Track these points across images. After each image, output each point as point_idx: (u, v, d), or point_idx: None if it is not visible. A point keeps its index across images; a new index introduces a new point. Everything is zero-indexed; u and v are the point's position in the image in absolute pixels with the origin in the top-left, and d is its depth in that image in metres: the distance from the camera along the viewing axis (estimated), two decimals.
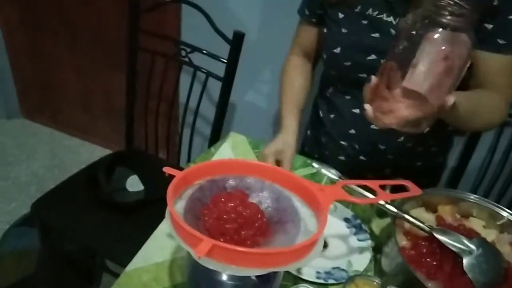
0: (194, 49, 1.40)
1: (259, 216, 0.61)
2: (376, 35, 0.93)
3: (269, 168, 0.68)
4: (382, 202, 0.78)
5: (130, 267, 0.78)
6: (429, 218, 0.83)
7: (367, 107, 0.70)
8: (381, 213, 0.96)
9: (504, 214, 0.82)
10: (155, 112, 1.53)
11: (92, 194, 1.33)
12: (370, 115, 0.71)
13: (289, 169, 0.92)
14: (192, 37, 1.46)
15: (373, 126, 1.01)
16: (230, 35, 1.30)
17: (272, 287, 0.63)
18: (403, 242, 0.78)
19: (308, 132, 1.23)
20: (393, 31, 0.91)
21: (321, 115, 1.13)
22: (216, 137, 1.46)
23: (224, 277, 0.58)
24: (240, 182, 0.67)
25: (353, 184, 0.77)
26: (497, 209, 0.83)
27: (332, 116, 1.09)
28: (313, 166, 0.90)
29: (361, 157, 1.07)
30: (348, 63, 0.96)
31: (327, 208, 0.60)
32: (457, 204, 0.85)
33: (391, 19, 0.91)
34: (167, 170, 0.61)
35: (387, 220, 0.94)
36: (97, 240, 1.25)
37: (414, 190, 0.73)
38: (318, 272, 0.81)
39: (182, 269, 0.78)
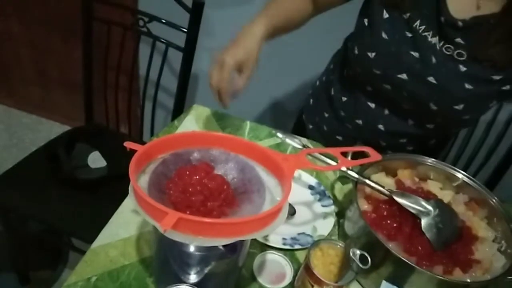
0: (153, 18, 1.35)
1: (225, 187, 0.61)
2: (416, 54, 0.86)
3: (233, 139, 0.68)
4: (344, 168, 0.80)
5: (96, 243, 0.77)
6: (389, 182, 0.86)
7: None
8: (344, 179, 0.99)
9: (459, 175, 0.86)
10: (115, 85, 1.48)
11: (53, 172, 1.30)
12: None
13: (249, 78, 0.82)
14: (150, 6, 1.41)
15: (380, 126, 1.01)
16: (189, 3, 1.26)
17: (239, 255, 0.64)
18: (365, 206, 0.81)
19: (311, 101, 1.18)
20: (433, 57, 0.85)
21: (332, 93, 1.08)
22: (179, 110, 1.44)
23: (191, 249, 0.59)
24: (205, 154, 0.66)
25: (316, 152, 0.79)
26: (453, 171, 0.87)
27: (344, 99, 1.04)
28: (277, 136, 0.90)
29: (358, 143, 1.06)
30: (378, 72, 0.91)
31: (290, 177, 0.61)
32: (415, 167, 0.89)
33: (435, 40, 0.84)
34: (128, 145, 0.60)
35: (350, 186, 0.97)
36: (61, 218, 1.23)
37: (374, 156, 0.75)
38: (284, 239, 0.83)
39: (149, 243, 0.78)
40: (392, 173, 0.89)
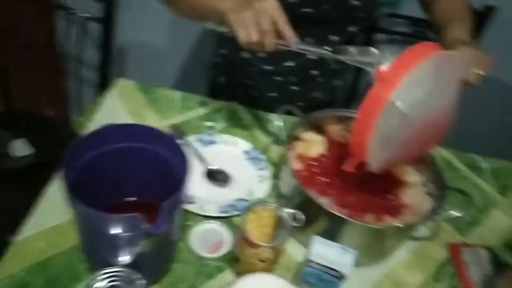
0: None
1: None
2: None
3: None
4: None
5: (21, 236, 0.72)
6: (319, 139, 0.87)
7: None
8: (278, 141, 0.99)
9: None
10: (34, 64, 1.38)
11: None
12: None
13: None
14: None
15: (310, 55, 1.01)
16: None
17: (169, 231, 0.62)
18: (296, 165, 0.81)
19: (223, 78, 1.15)
20: None
21: (248, 56, 1.05)
22: (105, 85, 1.37)
23: (118, 230, 0.56)
24: None
25: None
26: None
27: (264, 53, 1.01)
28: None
29: (294, 87, 1.08)
30: (294, 1, 0.89)
31: None
32: (345, 122, 0.89)
33: None
34: None
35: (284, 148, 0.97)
36: None
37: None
38: (221, 207, 0.82)
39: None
40: (322, 130, 0.89)
